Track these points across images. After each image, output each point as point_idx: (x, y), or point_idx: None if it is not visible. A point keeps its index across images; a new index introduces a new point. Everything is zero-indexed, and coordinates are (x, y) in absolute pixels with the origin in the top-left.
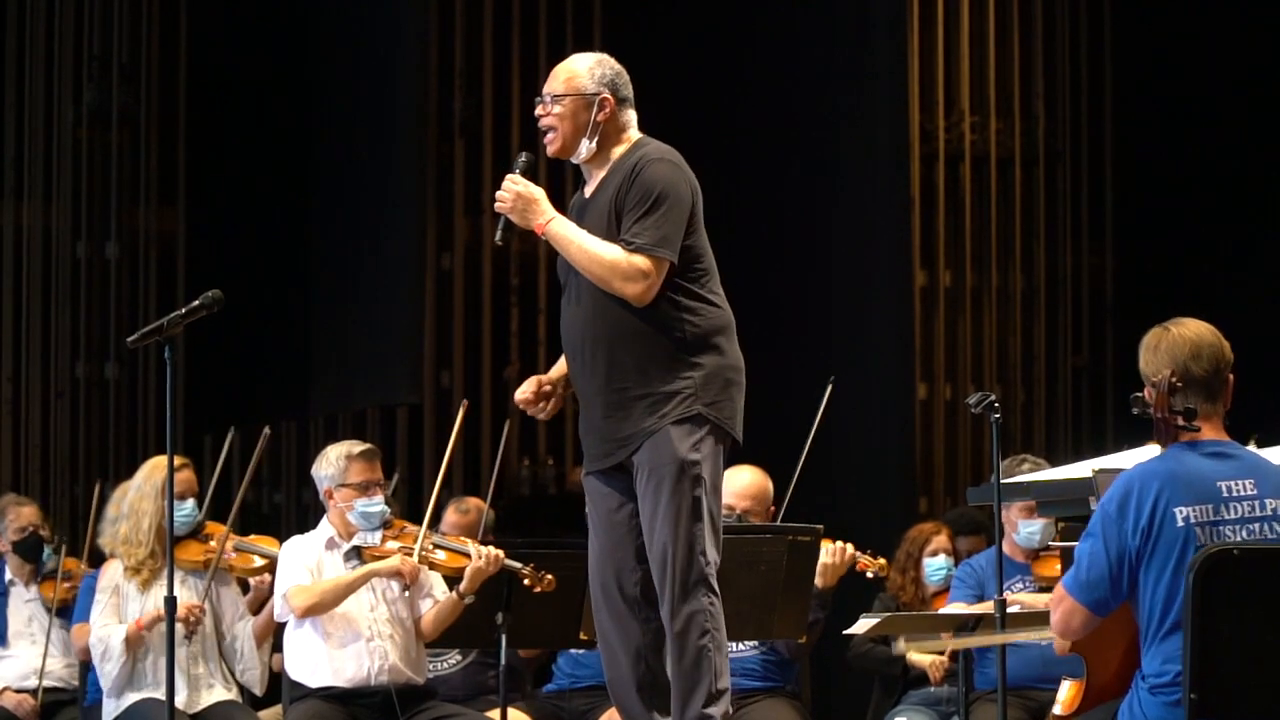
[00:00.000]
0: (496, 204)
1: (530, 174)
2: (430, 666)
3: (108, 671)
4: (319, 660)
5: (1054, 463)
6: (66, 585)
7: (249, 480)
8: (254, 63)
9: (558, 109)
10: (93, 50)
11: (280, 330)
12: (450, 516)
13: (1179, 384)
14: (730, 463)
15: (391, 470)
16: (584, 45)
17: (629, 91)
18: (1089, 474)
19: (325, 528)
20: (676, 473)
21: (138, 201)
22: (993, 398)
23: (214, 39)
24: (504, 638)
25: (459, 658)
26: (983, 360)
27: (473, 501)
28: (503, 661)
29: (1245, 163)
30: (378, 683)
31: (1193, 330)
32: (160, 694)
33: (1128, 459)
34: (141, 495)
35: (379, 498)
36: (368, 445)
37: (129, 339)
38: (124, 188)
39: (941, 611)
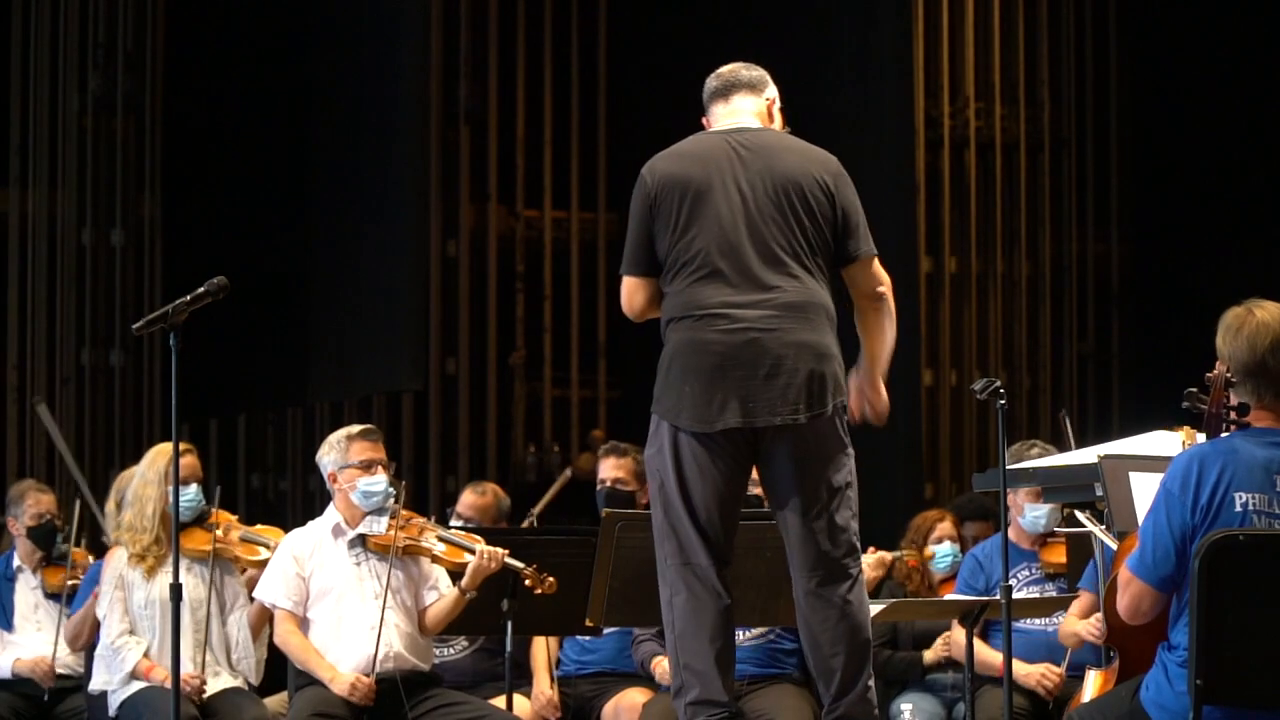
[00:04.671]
0: None
1: None
2: (436, 653)
3: (108, 680)
4: (325, 648)
5: (1059, 449)
6: (70, 573)
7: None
8: (257, 49)
9: None
10: (98, 38)
11: (283, 317)
12: (467, 497)
13: (1234, 379)
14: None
15: (396, 457)
16: (589, 33)
17: (711, 89)
18: (1094, 460)
19: (331, 514)
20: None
21: (143, 189)
22: (998, 384)
23: (217, 26)
24: (509, 624)
25: (465, 644)
26: (988, 346)
27: (490, 485)
28: (508, 648)
29: (1251, 149)
30: (383, 670)
31: (1275, 317)
32: (165, 681)
33: (1133, 445)
34: (145, 482)
35: (381, 476)
36: (368, 426)
37: (134, 326)
38: (129, 175)
39: (947, 598)
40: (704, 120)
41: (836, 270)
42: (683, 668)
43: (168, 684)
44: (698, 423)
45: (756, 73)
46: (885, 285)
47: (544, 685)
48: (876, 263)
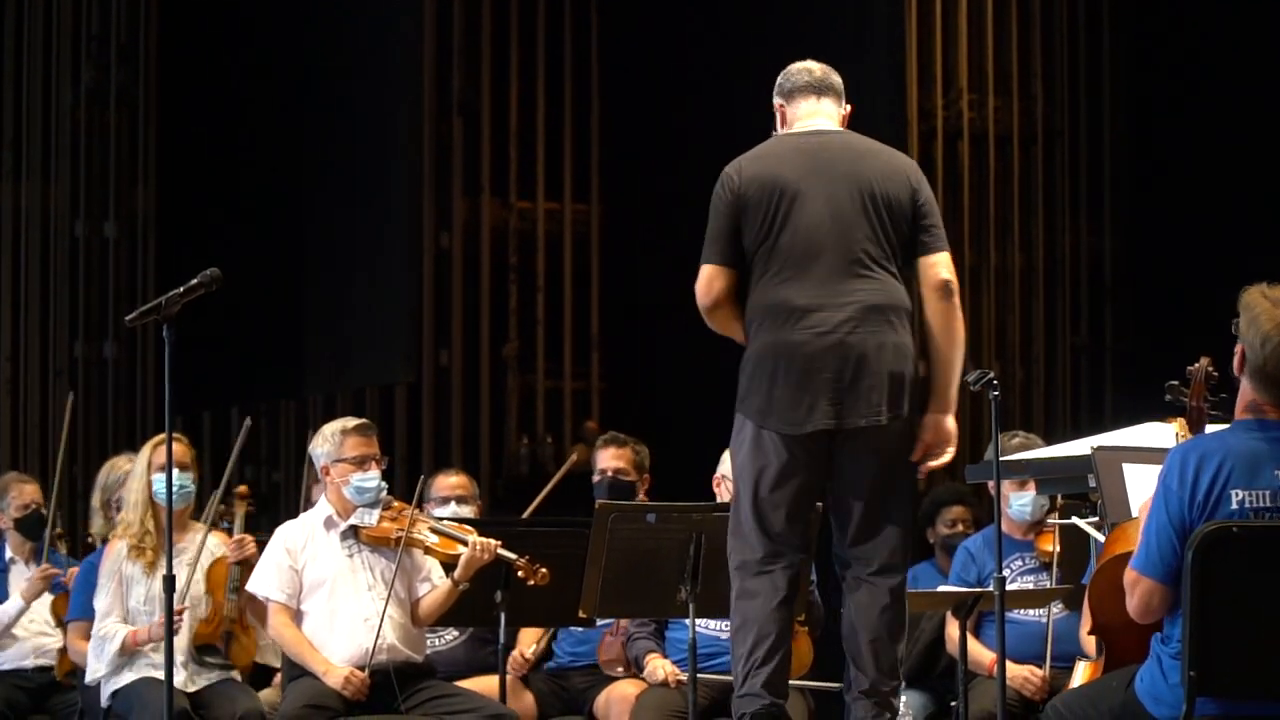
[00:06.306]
0: None
1: None
2: (427, 643)
3: (97, 668)
4: (318, 640)
5: (1052, 441)
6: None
7: (230, 470)
8: (251, 42)
9: None
10: (91, 30)
11: (276, 309)
12: (443, 480)
13: (1245, 369)
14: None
15: (389, 449)
16: (582, 23)
17: (794, 82)
18: (1087, 452)
19: (323, 506)
20: None
21: (136, 181)
22: (991, 375)
23: (210, 18)
24: (503, 616)
25: (455, 634)
26: (982, 338)
27: (455, 469)
28: (501, 640)
29: (1245, 140)
30: (377, 662)
31: None
32: (158, 674)
33: (1126, 437)
34: (134, 476)
35: (375, 472)
36: (362, 420)
37: (127, 318)
38: (122, 167)
39: (940, 589)
40: (777, 106)
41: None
42: (735, 661)
43: (155, 654)
44: (788, 425)
45: (840, 80)
46: (954, 279)
47: (525, 646)
48: (949, 258)
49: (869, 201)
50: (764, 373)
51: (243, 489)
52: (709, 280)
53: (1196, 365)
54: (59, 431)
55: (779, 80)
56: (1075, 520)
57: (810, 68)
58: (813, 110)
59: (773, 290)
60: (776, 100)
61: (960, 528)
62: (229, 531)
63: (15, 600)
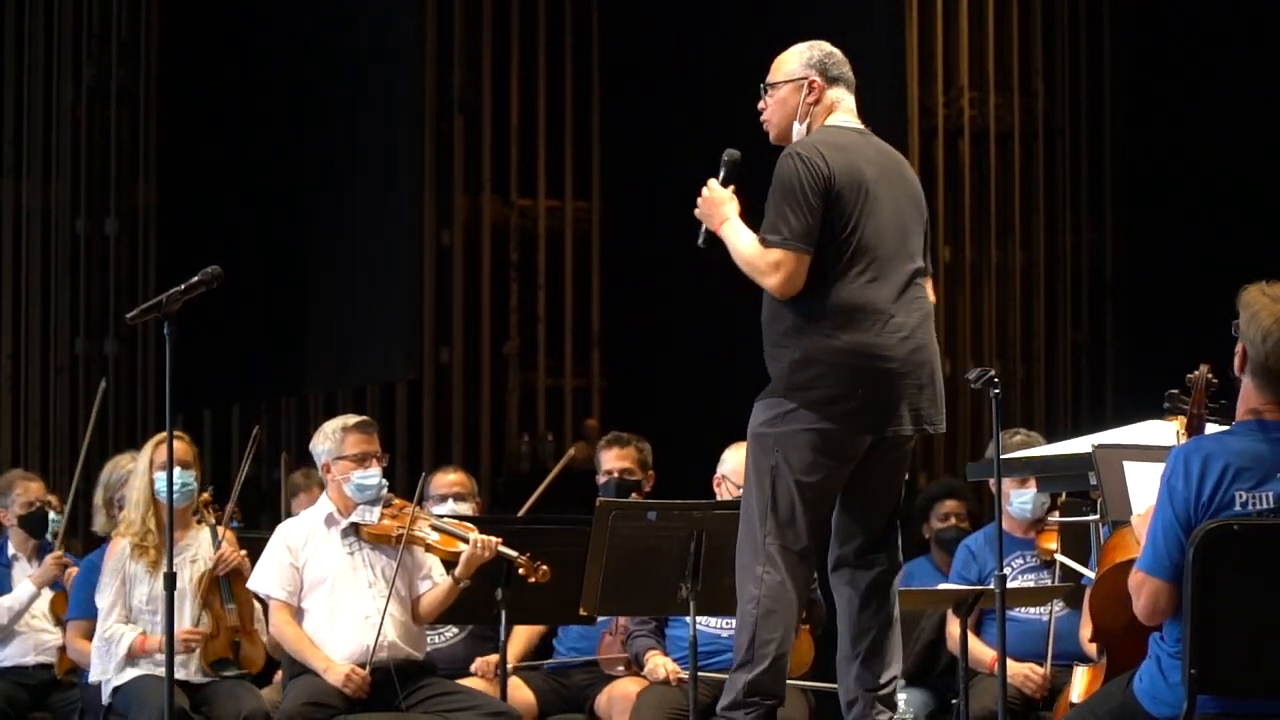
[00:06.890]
0: (696, 209)
1: (736, 171)
2: (427, 640)
3: (104, 669)
4: (319, 638)
5: (1053, 438)
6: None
7: (244, 471)
8: (252, 39)
9: (773, 96)
10: (92, 28)
11: (278, 306)
12: (441, 478)
13: (1246, 367)
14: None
15: (390, 447)
16: (582, 21)
17: (840, 71)
18: (1088, 449)
19: (324, 504)
20: (752, 443)
21: (137, 178)
22: (992, 373)
23: (211, 16)
24: (504, 614)
25: (456, 631)
26: (982, 336)
27: (452, 466)
28: (502, 637)
29: (1245, 137)
30: (378, 659)
31: None
32: (159, 671)
33: (1127, 435)
34: (136, 474)
35: (375, 469)
36: (363, 418)
37: (128, 315)
38: (123, 165)
39: (941, 587)
40: (811, 81)
41: None
42: (756, 644)
43: (162, 656)
44: (869, 428)
45: None
46: None
47: (511, 651)
48: None
49: (915, 211)
50: (846, 370)
51: (205, 495)
52: (797, 270)
53: (1196, 373)
54: (60, 429)
55: (818, 56)
56: (1065, 560)
57: (844, 59)
58: (851, 107)
59: (858, 289)
60: (815, 76)
61: (953, 521)
62: (235, 531)
63: (26, 586)
